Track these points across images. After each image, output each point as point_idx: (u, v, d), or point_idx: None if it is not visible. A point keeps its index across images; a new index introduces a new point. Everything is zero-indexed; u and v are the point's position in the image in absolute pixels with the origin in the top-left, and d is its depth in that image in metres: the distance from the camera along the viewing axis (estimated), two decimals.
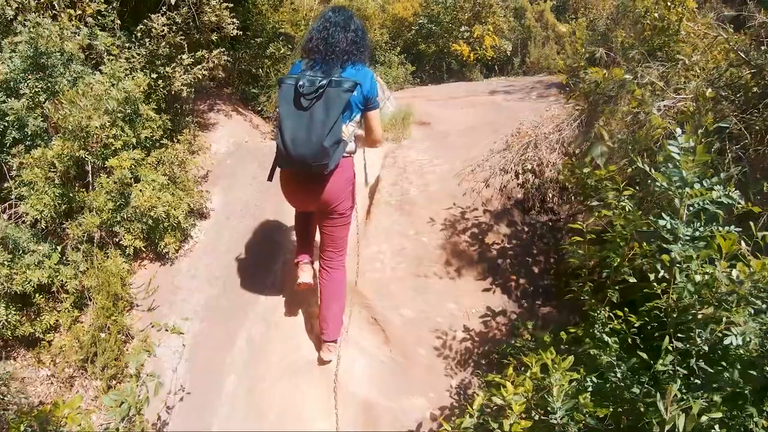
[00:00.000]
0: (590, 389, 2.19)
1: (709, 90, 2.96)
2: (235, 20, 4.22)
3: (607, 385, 2.19)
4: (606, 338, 2.39)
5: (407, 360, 3.25)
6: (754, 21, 3.53)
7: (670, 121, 3.06)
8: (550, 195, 4.26)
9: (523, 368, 2.31)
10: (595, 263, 2.89)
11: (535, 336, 3.24)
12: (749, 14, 3.62)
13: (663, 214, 2.15)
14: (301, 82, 2.38)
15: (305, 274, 3.05)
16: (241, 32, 4.68)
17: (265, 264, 3.76)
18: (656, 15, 4.18)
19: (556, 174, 4.29)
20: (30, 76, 3.29)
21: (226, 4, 4.14)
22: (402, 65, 11.39)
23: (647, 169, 2.36)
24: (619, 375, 2.18)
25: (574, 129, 4.49)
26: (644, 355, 2.17)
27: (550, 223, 4.16)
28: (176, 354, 3.21)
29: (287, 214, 4.17)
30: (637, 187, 2.88)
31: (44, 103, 3.28)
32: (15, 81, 3.27)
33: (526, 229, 4.14)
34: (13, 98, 3.25)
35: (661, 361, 2.05)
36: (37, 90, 3.32)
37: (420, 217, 4.13)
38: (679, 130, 2.21)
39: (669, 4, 4.06)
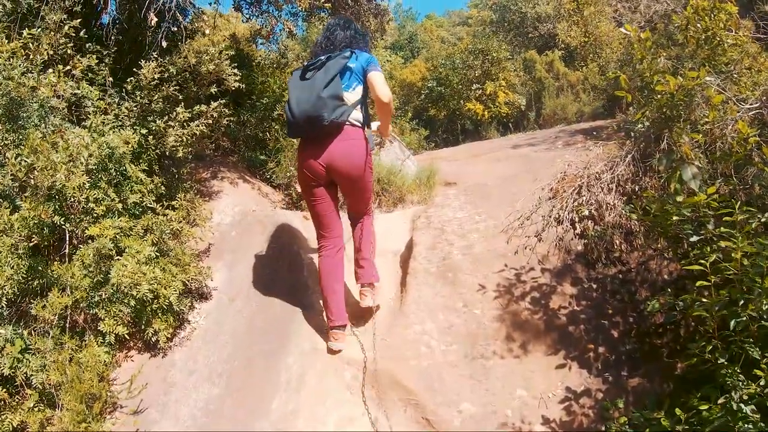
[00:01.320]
0: None
1: None
2: (236, 72, 3.71)
3: None
4: (743, 407, 1.97)
5: None
6: None
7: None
8: (617, 242, 3.54)
9: None
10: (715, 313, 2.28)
11: (632, 418, 2.55)
12: None
13: None
14: (306, 64, 2.72)
15: (338, 343, 2.93)
16: (244, 89, 4.21)
17: (276, 356, 3.00)
18: (699, 26, 3.67)
19: (620, 217, 3.62)
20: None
21: (227, 53, 3.64)
22: (414, 131, 11.14)
23: None
24: None
25: (629, 164, 3.85)
26: None
27: (620, 276, 3.42)
28: None
29: (302, 294, 3.46)
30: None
31: (15, 159, 2.69)
32: None
33: (595, 285, 3.37)
34: None
35: None
36: (6, 143, 2.75)
37: (467, 286, 3.38)
38: None
39: (710, 12, 3.59)
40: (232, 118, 4.20)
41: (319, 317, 3.25)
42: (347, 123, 2.66)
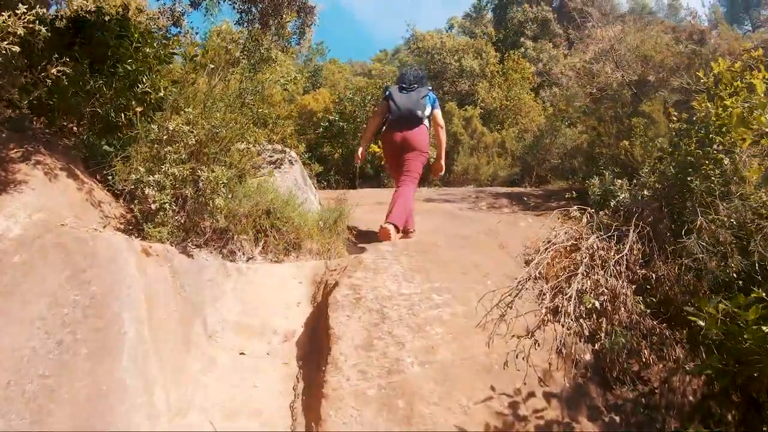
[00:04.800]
0: None
1: None
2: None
3: None
4: None
5: None
6: None
7: None
8: (646, 353, 2.49)
9: None
10: None
11: None
12: None
13: None
14: (400, 84, 4.12)
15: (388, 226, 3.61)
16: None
17: None
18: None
19: (638, 316, 2.61)
20: None
21: None
22: (306, 165, 9.75)
23: None
24: None
25: (635, 242, 2.95)
26: None
27: (643, 401, 2.36)
28: None
29: (113, 395, 1.81)
30: None
31: None
32: None
33: (618, 418, 2.23)
34: None
35: None
36: None
37: (435, 425, 1.96)
38: None
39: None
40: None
41: None
42: (422, 123, 3.96)
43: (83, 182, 3.21)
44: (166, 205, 2.73)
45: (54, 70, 2.82)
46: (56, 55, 2.83)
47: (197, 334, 2.39)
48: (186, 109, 2.90)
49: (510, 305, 2.51)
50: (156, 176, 2.75)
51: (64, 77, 2.96)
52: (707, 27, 8.63)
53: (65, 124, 3.67)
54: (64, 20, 3.91)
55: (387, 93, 4.04)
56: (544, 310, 2.49)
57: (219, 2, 5.29)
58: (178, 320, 2.38)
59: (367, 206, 5.78)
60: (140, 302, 2.28)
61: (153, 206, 2.78)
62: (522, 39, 15.09)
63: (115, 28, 3.78)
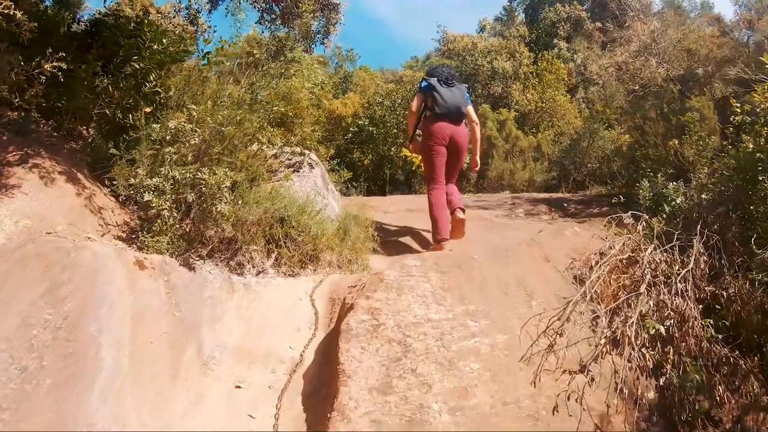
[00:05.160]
0: None
1: None
2: None
3: None
4: None
5: None
6: None
7: None
8: (720, 389, 2.03)
9: None
10: None
11: None
12: None
13: None
14: (441, 79, 3.98)
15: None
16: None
17: None
18: None
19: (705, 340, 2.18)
20: None
21: None
22: (334, 171, 9.48)
23: None
24: None
25: (700, 253, 2.49)
26: None
27: None
28: None
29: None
30: None
31: None
32: None
33: None
34: None
35: None
36: None
37: None
38: None
39: None
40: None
41: None
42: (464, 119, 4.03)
43: (84, 187, 2.97)
44: (165, 212, 2.43)
45: (48, 66, 2.58)
46: (50, 50, 2.60)
47: (188, 362, 2.07)
48: (189, 106, 2.60)
49: (560, 332, 2.09)
50: (154, 180, 2.45)
51: (71, 77, 2.77)
52: (754, 15, 7.93)
53: (73, 126, 3.49)
54: (82, 23, 3.77)
55: (425, 84, 3.95)
56: (603, 340, 2.05)
57: (240, 1, 5.07)
58: (167, 344, 2.06)
59: (396, 213, 5.45)
60: (124, 323, 1.98)
61: (151, 213, 2.48)
62: (555, 40, 14.49)
63: (127, 26, 3.58)
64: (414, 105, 3.97)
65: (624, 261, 2.63)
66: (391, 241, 4.18)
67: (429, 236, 4.17)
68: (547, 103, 9.33)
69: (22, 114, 3.23)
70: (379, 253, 3.75)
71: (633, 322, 2.17)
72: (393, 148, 10.18)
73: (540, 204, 5.99)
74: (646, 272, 2.43)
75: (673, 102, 6.26)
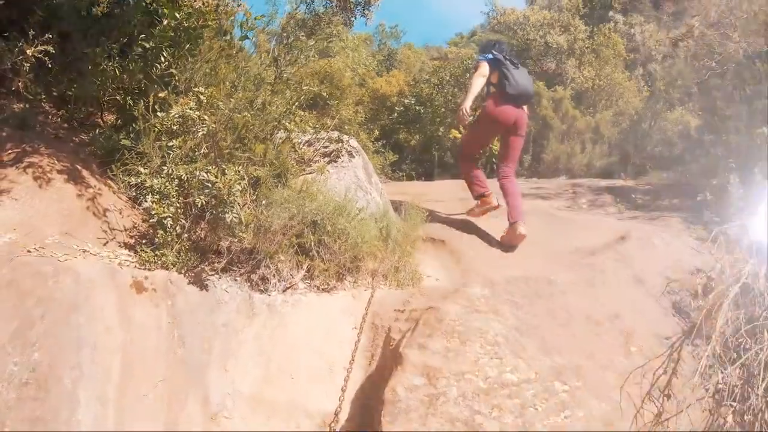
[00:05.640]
0: None
1: None
2: None
3: None
4: None
5: None
6: None
7: None
8: None
9: None
10: None
11: None
12: None
13: None
14: (507, 57, 3.71)
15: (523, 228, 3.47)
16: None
17: None
18: None
19: None
20: None
21: None
22: (379, 153, 8.91)
23: None
24: None
25: None
26: None
27: None
28: None
29: None
30: None
31: None
32: None
33: None
34: None
35: None
36: None
37: None
38: None
39: None
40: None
41: None
42: None
43: (88, 186, 2.58)
44: (167, 220, 1.97)
45: (30, 51, 2.17)
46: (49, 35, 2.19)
47: (190, 416, 1.61)
48: (196, 89, 2.12)
49: (667, 392, 1.49)
50: (156, 180, 2.00)
51: (81, 61, 2.36)
52: None
53: (85, 116, 3.13)
54: (102, 5, 3.37)
55: (491, 56, 3.70)
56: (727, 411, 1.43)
57: None
58: (164, 395, 1.61)
59: (448, 202, 4.86)
60: (110, 370, 1.55)
61: (153, 221, 2.04)
62: (611, 13, 13.19)
63: (142, 2, 3.13)
64: (485, 69, 3.66)
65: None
66: (445, 238, 3.61)
67: (492, 232, 3.62)
68: (605, 80, 8.39)
69: (25, 106, 2.88)
70: (431, 256, 3.21)
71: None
72: (441, 129, 9.53)
73: (603, 194, 5.54)
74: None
75: (759, 82, 5.37)
